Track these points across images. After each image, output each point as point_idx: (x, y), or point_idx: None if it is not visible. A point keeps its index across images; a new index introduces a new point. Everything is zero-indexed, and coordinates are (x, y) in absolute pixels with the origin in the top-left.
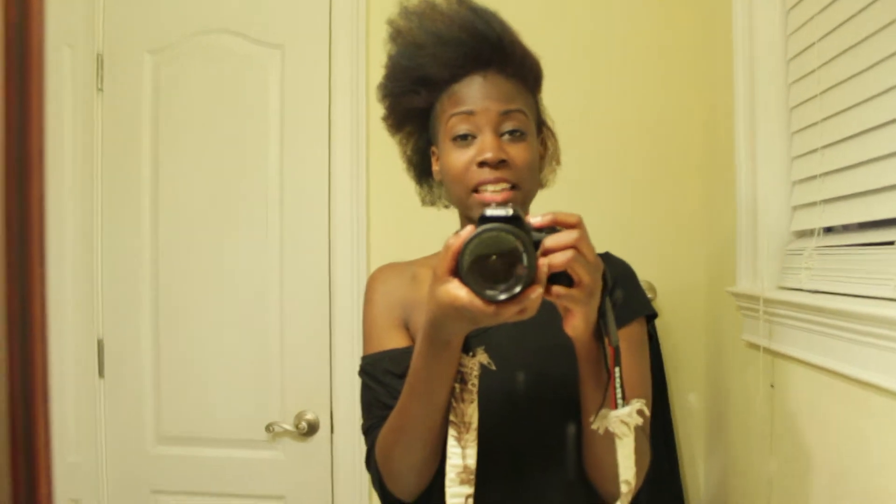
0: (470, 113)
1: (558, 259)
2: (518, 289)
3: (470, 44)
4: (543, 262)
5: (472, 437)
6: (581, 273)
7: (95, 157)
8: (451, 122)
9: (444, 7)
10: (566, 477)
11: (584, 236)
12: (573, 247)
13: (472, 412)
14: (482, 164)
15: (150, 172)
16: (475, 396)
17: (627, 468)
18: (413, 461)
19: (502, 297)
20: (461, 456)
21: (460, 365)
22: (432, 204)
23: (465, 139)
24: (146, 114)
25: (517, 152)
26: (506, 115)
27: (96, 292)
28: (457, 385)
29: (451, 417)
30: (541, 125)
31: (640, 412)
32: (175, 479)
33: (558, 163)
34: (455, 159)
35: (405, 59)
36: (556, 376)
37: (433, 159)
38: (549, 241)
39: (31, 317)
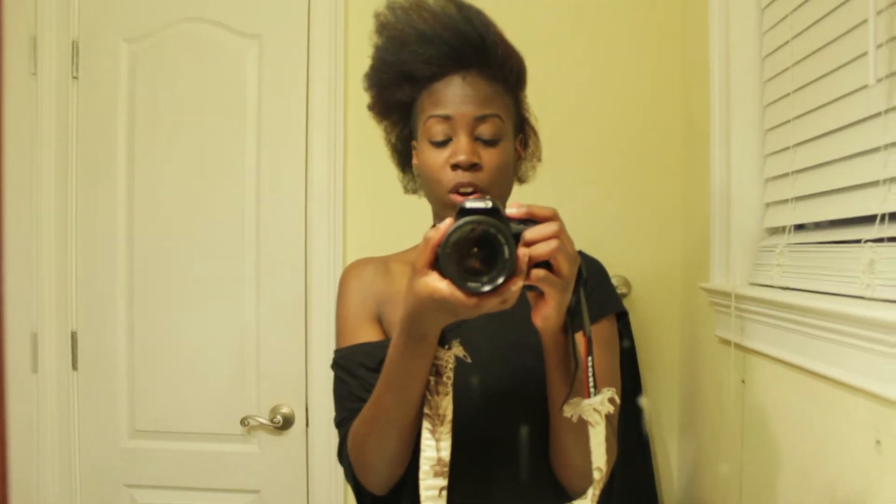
0: (447, 117)
1: (542, 249)
2: (501, 279)
3: (451, 43)
4: (525, 252)
5: (446, 430)
6: (562, 263)
7: (70, 147)
8: (428, 124)
9: (430, 3)
10: (538, 470)
11: (563, 228)
12: (556, 237)
13: (446, 405)
14: (455, 167)
15: (126, 162)
16: (450, 389)
17: (600, 455)
18: (386, 453)
19: (485, 288)
20: (435, 448)
21: (435, 358)
22: (414, 192)
23: (441, 143)
24: (122, 102)
25: (489, 157)
26: (481, 119)
27: (70, 284)
28: (432, 378)
29: (426, 410)
30: (522, 123)
31: (611, 400)
32: (149, 473)
33: (539, 160)
34: (431, 159)
35: (389, 53)
36: (529, 370)
37: (413, 153)
38: (531, 232)
39: None
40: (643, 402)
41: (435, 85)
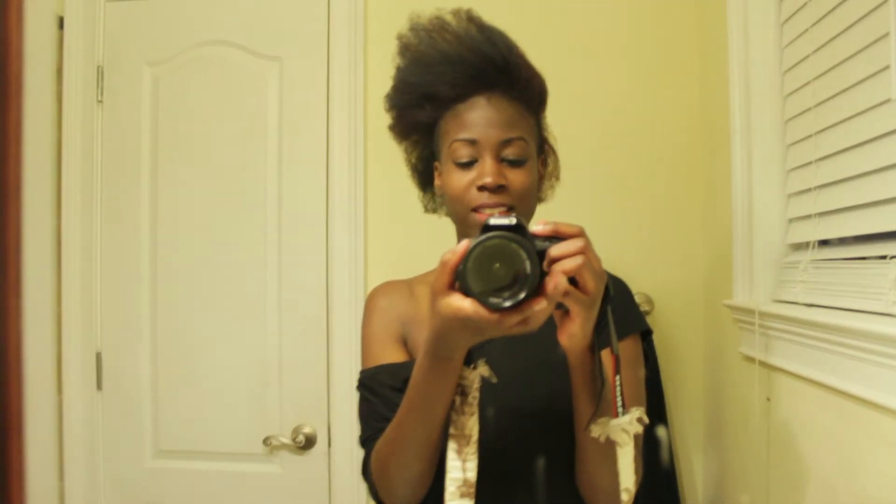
0: (472, 141)
1: (568, 265)
2: (522, 295)
3: (475, 64)
4: (555, 269)
5: (472, 450)
6: (588, 280)
7: (95, 169)
8: (453, 147)
9: (453, 25)
10: (563, 492)
11: (589, 244)
12: (582, 253)
13: (472, 425)
14: (482, 188)
15: (150, 184)
16: (475, 409)
17: (628, 476)
18: (409, 475)
19: (507, 304)
20: (461, 469)
21: (461, 378)
22: (434, 211)
23: (467, 164)
24: (145, 126)
25: (516, 177)
26: (507, 142)
27: (95, 304)
28: (457, 398)
29: (451, 430)
30: (543, 143)
31: (639, 420)
32: (172, 493)
33: (558, 179)
34: (456, 181)
35: (412, 75)
36: (555, 390)
37: (436, 173)
38: (556, 249)
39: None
40: (667, 419)
41: (458, 107)
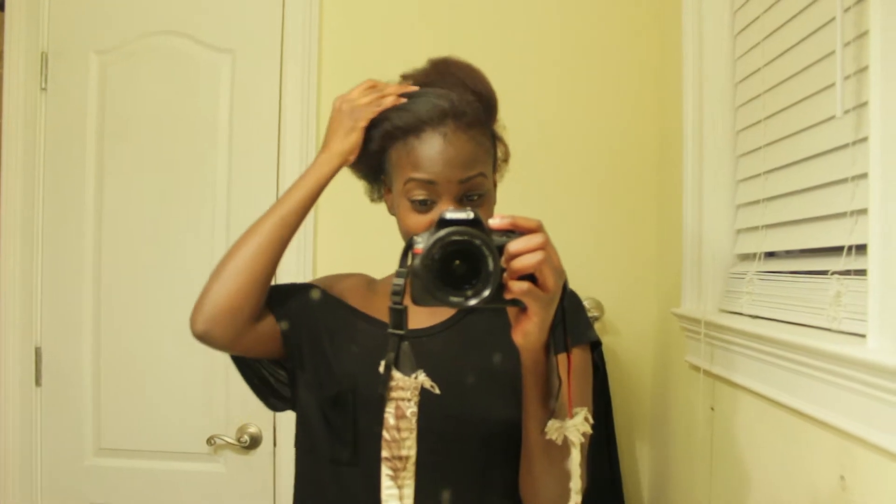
0: (430, 182)
1: (528, 261)
2: (486, 292)
3: (430, 99)
4: (514, 266)
5: (409, 474)
6: (548, 276)
7: (37, 159)
8: (408, 186)
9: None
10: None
11: (549, 240)
12: (542, 248)
13: (410, 445)
14: None
15: (95, 175)
16: (414, 426)
17: (579, 476)
18: (226, 282)
19: (471, 302)
20: (398, 497)
21: (397, 388)
22: (381, 200)
23: (423, 204)
24: (92, 115)
25: None
26: (466, 182)
27: (35, 298)
28: (391, 417)
29: (384, 454)
30: (495, 146)
31: (585, 419)
32: (113, 492)
33: (506, 162)
34: (413, 222)
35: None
36: (497, 405)
37: (384, 189)
38: (515, 244)
39: None
40: (614, 426)
41: (412, 140)
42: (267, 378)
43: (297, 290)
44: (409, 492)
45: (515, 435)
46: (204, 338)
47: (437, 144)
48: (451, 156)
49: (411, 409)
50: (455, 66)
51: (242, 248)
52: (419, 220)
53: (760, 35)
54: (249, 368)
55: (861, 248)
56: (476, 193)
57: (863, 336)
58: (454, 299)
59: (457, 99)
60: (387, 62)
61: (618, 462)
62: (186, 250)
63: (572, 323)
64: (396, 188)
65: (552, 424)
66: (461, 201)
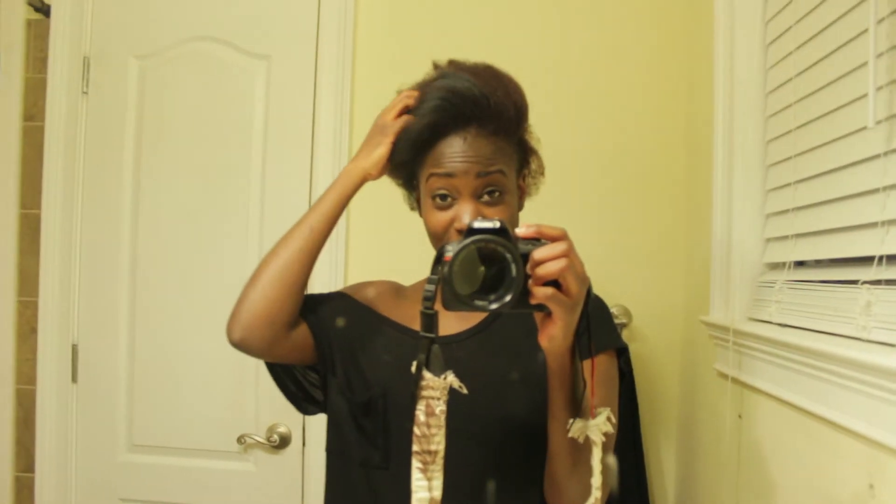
0: (449, 175)
1: (551, 268)
2: (508, 297)
3: (453, 103)
4: (538, 272)
5: (438, 468)
6: (571, 283)
7: (77, 160)
8: (430, 182)
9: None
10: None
11: (573, 247)
12: (565, 256)
13: (439, 440)
14: (460, 232)
15: (132, 177)
16: (443, 423)
17: (599, 473)
18: (260, 291)
19: (493, 306)
20: (427, 488)
21: (427, 388)
22: (417, 208)
23: (444, 199)
24: (130, 119)
25: (494, 214)
26: (485, 176)
27: (73, 297)
28: (421, 413)
29: (415, 448)
30: (526, 151)
31: (608, 419)
32: (144, 488)
33: (542, 175)
34: (435, 219)
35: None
36: (522, 399)
37: (418, 192)
38: (540, 252)
39: None
40: (641, 432)
41: (436, 143)
42: (301, 382)
43: (328, 299)
44: (437, 483)
45: (539, 435)
46: (241, 345)
47: (458, 142)
48: (471, 153)
49: (440, 408)
50: (497, 71)
51: (275, 258)
52: (440, 216)
53: (792, 45)
54: (284, 374)
55: (892, 259)
56: (495, 190)
57: (893, 346)
58: (479, 303)
59: (488, 100)
60: (421, 69)
61: (644, 468)
62: (221, 251)
63: (597, 329)
64: (421, 188)
65: (575, 424)
66: (480, 197)
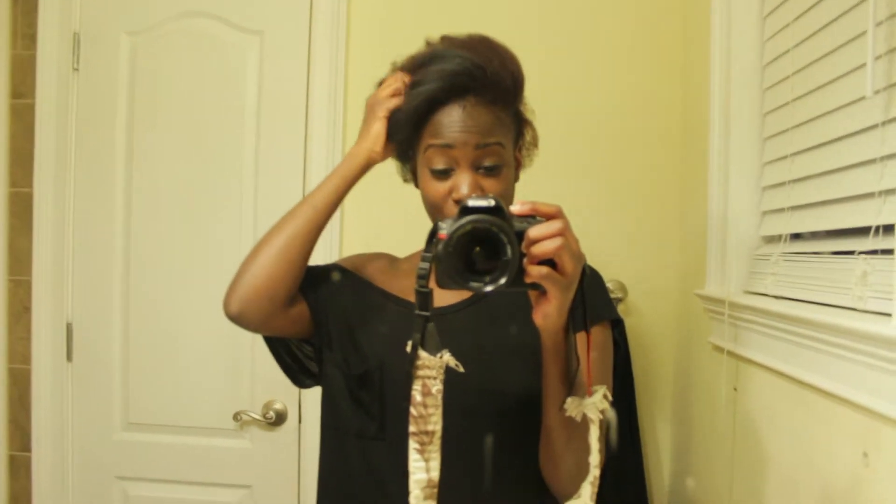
0: (447, 146)
1: (547, 246)
2: (504, 279)
3: (452, 72)
4: (534, 251)
5: (435, 448)
6: (566, 261)
7: (69, 138)
8: (428, 153)
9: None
10: (527, 479)
11: (568, 225)
12: (561, 234)
13: (436, 420)
14: (458, 202)
15: (125, 155)
16: (440, 402)
17: (597, 451)
18: (260, 265)
19: (488, 288)
20: (425, 469)
21: (423, 367)
22: (411, 180)
23: (442, 172)
24: (122, 95)
25: (492, 186)
26: (483, 147)
27: (67, 275)
28: (417, 394)
29: (412, 428)
30: (521, 123)
31: (604, 396)
32: (141, 466)
33: (536, 146)
34: (433, 190)
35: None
36: (518, 378)
37: (413, 164)
38: (535, 230)
39: None
40: (636, 405)
41: (433, 113)
42: (296, 354)
43: (325, 272)
44: (435, 464)
45: (535, 406)
46: (238, 319)
47: (456, 113)
48: (468, 122)
49: (437, 387)
50: (493, 42)
51: (278, 233)
52: (438, 187)
53: (790, 16)
54: (280, 346)
55: (889, 229)
56: (493, 163)
57: (889, 315)
58: (474, 284)
59: (484, 70)
60: (416, 43)
61: (640, 442)
62: (214, 229)
63: (592, 301)
64: (418, 158)
65: (571, 401)
66: (478, 168)
